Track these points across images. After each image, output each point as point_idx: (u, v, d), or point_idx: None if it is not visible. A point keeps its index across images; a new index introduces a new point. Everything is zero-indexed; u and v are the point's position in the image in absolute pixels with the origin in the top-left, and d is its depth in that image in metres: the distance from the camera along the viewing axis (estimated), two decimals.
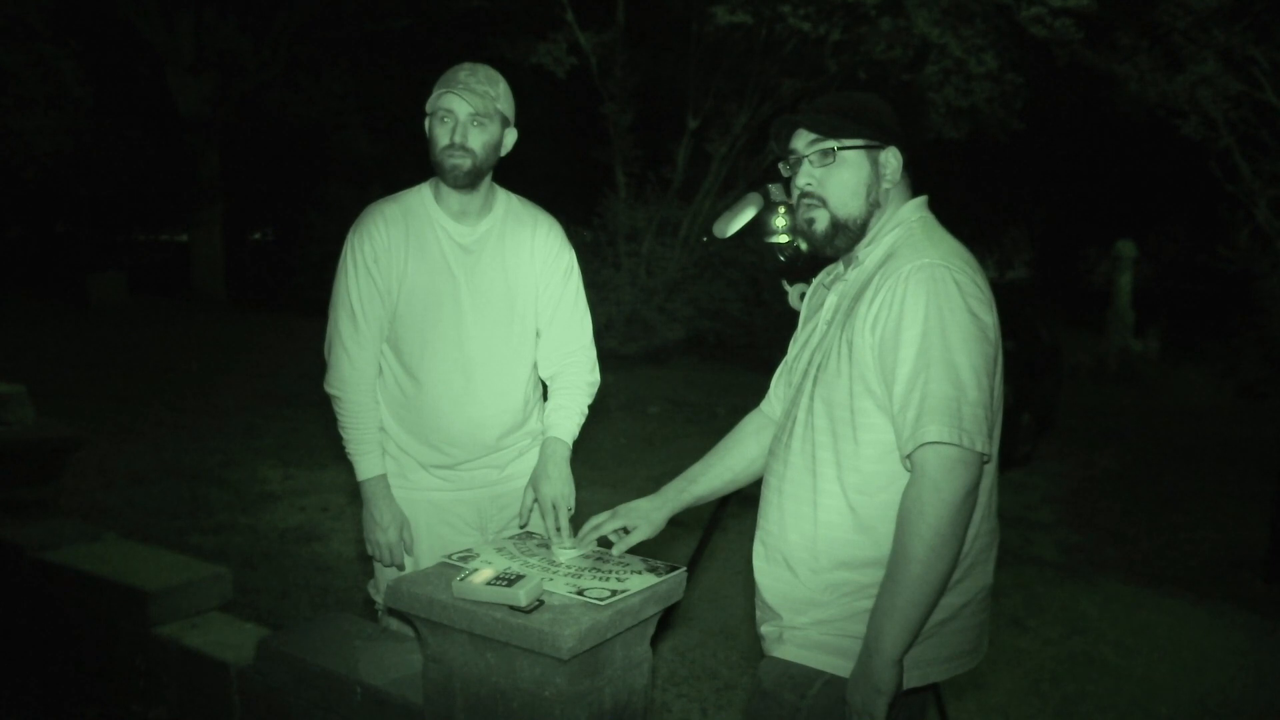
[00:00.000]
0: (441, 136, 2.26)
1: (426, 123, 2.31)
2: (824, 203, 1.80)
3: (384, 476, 2.38)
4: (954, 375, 1.61)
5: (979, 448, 1.60)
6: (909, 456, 1.63)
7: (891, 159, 1.81)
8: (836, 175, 1.79)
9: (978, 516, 1.73)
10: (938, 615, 1.71)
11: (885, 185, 1.81)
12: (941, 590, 1.63)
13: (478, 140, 2.26)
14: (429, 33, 16.65)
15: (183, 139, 17.51)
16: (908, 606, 1.60)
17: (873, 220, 1.81)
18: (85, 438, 3.71)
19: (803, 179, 1.82)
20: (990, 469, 1.74)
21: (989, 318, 1.69)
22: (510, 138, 2.35)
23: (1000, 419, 1.76)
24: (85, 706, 2.86)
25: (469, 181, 2.28)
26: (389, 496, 2.38)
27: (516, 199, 2.47)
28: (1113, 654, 4.17)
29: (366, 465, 2.38)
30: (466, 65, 2.29)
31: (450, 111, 2.24)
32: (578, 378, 2.42)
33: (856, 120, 1.79)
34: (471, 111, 2.24)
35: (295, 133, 18.45)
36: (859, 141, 1.79)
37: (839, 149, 1.79)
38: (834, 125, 1.79)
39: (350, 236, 2.35)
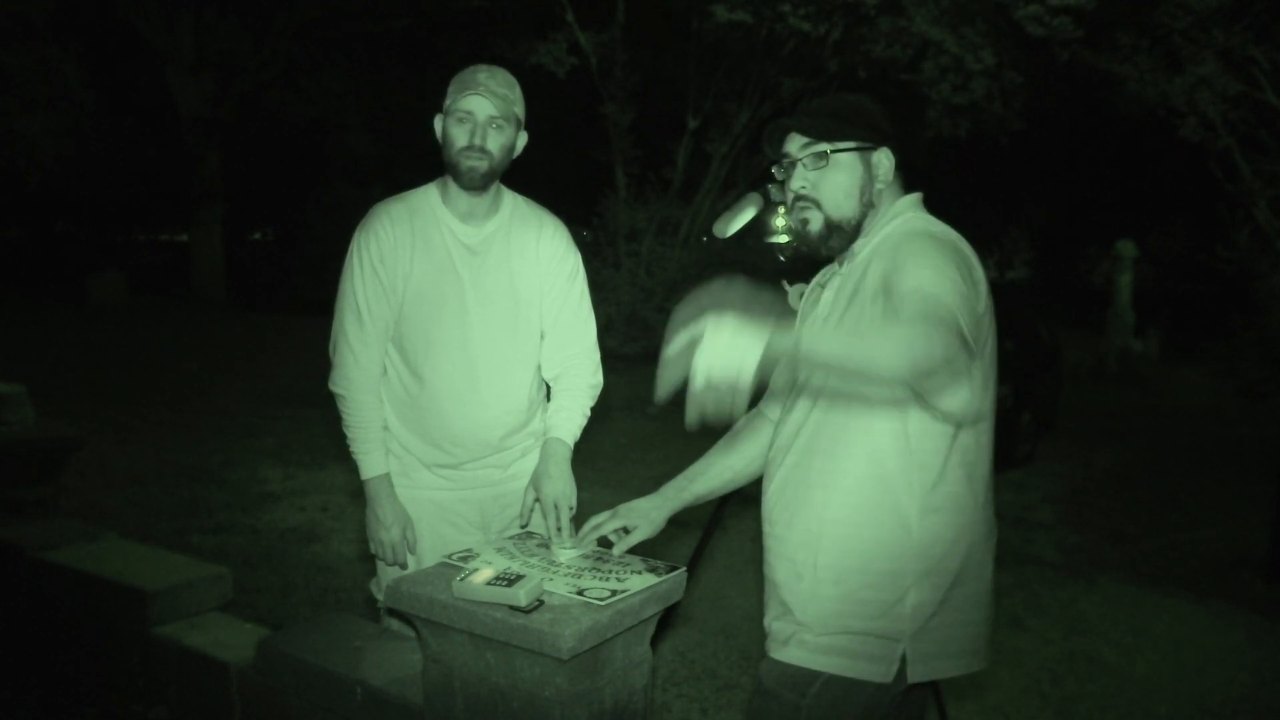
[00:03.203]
0: (459, 137, 2.25)
1: (439, 121, 2.31)
2: (818, 205, 1.83)
3: (388, 475, 2.38)
4: (944, 291, 1.58)
5: (964, 328, 1.53)
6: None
7: (884, 159, 1.83)
8: (830, 178, 1.81)
9: (965, 490, 1.74)
10: (934, 601, 1.72)
11: (879, 186, 1.83)
12: (856, 375, 1.50)
13: (495, 143, 2.26)
14: (429, 33, 16.66)
15: (183, 139, 17.52)
16: (838, 351, 1.47)
17: (866, 220, 1.83)
18: (85, 438, 3.72)
19: (796, 182, 1.84)
20: (977, 442, 1.76)
21: (981, 280, 1.71)
22: (522, 140, 2.36)
23: (992, 396, 1.78)
24: (85, 706, 2.86)
25: (484, 184, 2.29)
26: (392, 495, 2.38)
27: (523, 200, 2.47)
28: (1113, 654, 4.17)
29: (370, 464, 2.38)
30: (484, 67, 2.29)
31: (470, 113, 2.24)
32: (580, 380, 2.43)
33: (848, 122, 1.81)
34: (491, 114, 2.24)
35: (295, 133, 18.46)
36: (851, 144, 1.81)
37: (832, 152, 1.80)
38: (826, 128, 1.81)
39: (357, 235, 2.36)
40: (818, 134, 1.81)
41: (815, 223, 1.83)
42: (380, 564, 2.46)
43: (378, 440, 2.38)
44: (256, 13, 16.95)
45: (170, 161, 17.96)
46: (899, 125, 1.85)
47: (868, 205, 1.82)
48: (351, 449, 2.40)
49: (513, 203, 2.43)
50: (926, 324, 1.47)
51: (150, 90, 17.87)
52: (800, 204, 1.83)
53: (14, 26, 13.76)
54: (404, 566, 2.39)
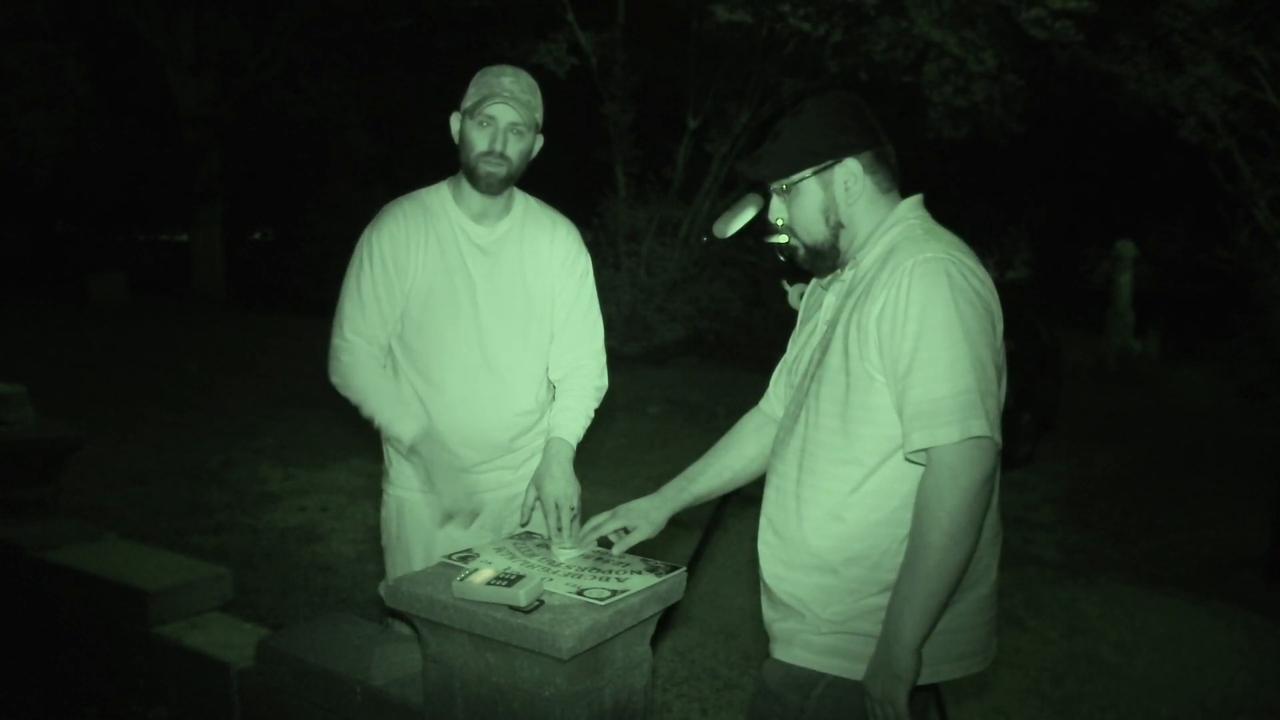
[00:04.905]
0: (480, 141, 2.25)
1: (456, 120, 2.31)
2: (794, 233, 1.86)
3: (426, 429, 2.25)
4: (961, 368, 1.62)
5: (990, 434, 1.62)
6: (923, 450, 1.64)
7: (846, 172, 1.79)
8: (796, 205, 1.83)
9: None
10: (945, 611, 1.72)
11: (849, 201, 1.81)
12: (960, 578, 1.64)
13: (515, 149, 2.27)
14: (429, 33, 16.65)
15: (183, 139, 17.51)
16: (926, 595, 1.62)
17: (842, 239, 1.82)
18: (85, 438, 3.72)
19: (774, 212, 1.87)
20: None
21: (993, 304, 1.72)
22: (538, 144, 2.36)
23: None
24: (85, 706, 2.86)
25: (501, 189, 2.29)
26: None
27: (535, 201, 2.47)
28: (1113, 654, 4.17)
29: (405, 427, 2.24)
30: (509, 71, 2.28)
31: (492, 119, 2.24)
32: (586, 382, 2.43)
33: (793, 153, 1.79)
34: (513, 120, 2.25)
35: (296, 132, 18.45)
36: (806, 172, 1.80)
37: (787, 186, 1.82)
38: (773, 169, 1.81)
39: (368, 231, 2.34)
40: (770, 174, 1.82)
41: (799, 248, 1.87)
42: (389, 565, 2.45)
43: (398, 400, 2.27)
44: (256, 13, 16.94)
45: (170, 161, 17.92)
46: (863, 129, 1.80)
47: (836, 225, 1.81)
48: (379, 424, 2.27)
49: (525, 203, 2.43)
50: (961, 455, 1.59)
51: (150, 90, 17.84)
52: (783, 230, 1.87)
53: (15, 25, 13.76)
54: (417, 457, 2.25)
